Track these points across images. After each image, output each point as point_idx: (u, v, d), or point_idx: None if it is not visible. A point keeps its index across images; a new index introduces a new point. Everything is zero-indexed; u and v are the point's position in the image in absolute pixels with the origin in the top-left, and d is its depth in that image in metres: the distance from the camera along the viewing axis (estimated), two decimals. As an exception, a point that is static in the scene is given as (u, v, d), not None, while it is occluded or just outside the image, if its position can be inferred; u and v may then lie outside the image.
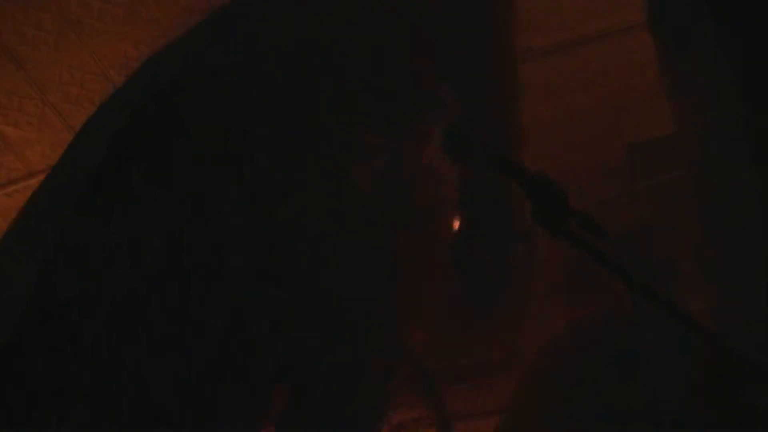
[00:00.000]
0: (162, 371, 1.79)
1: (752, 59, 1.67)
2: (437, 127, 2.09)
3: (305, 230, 1.94)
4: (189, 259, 1.84)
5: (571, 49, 3.90)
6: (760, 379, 1.80)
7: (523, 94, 2.46)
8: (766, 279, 1.80)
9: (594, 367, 2.35)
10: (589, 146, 4.28)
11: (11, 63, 3.81)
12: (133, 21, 3.62)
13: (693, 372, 1.92)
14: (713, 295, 1.96)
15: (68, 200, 1.91)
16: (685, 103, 2.21)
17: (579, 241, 1.77)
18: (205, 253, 1.85)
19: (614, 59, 3.94)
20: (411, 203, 2.18)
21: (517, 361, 2.54)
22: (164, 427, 1.76)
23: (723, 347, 1.82)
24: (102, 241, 1.85)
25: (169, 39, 2.17)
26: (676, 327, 1.85)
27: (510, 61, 2.62)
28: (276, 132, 1.99)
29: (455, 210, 2.22)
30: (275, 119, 2.02)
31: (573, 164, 4.24)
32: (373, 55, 2.09)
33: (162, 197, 1.86)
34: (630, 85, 4.02)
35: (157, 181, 1.87)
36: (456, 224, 2.26)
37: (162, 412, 1.77)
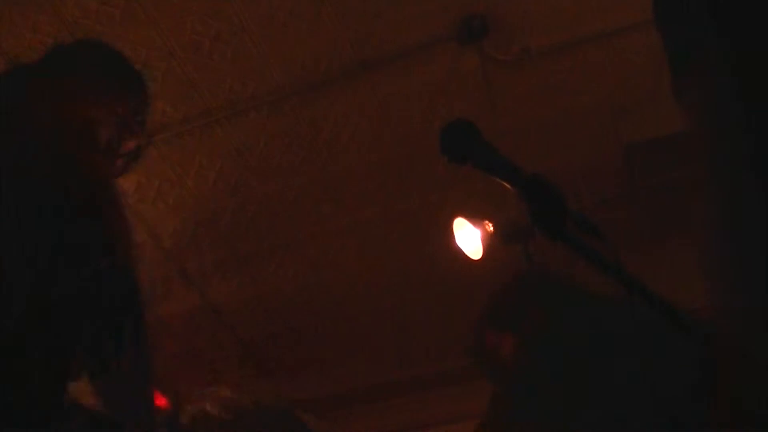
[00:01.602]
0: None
1: (752, 59, 1.67)
2: None
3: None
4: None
5: (569, 50, 3.90)
6: (761, 379, 1.80)
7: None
8: (766, 279, 1.80)
9: (594, 368, 2.36)
10: (587, 147, 4.29)
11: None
12: (130, 23, 3.62)
13: (693, 372, 1.92)
14: (713, 295, 1.96)
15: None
16: (683, 104, 2.21)
17: (577, 243, 1.76)
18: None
19: (612, 60, 3.94)
20: None
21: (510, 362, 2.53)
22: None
23: (723, 347, 1.82)
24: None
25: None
26: (674, 327, 1.85)
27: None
28: None
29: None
30: None
31: (571, 165, 4.24)
32: None
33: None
34: (628, 86, 4.02)
35: None
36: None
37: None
